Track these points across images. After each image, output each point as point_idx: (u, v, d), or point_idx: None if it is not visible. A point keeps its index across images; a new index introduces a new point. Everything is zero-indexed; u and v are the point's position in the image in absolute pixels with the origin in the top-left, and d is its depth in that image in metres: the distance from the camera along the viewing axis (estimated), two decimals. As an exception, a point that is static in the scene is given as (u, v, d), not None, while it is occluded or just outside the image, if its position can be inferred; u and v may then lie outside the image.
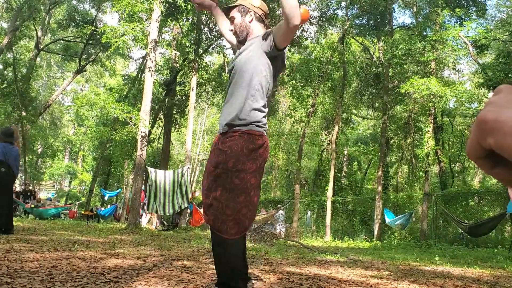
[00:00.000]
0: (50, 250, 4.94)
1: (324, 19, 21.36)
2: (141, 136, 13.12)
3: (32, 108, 24.93)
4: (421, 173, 22.22)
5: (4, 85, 24.75)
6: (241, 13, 2.77)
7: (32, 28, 25.68)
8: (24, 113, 23.75)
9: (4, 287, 2.64)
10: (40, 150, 35.95)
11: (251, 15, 2.77)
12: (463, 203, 17.76)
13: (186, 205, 14.36)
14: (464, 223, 13.49)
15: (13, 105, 24.43)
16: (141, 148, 13.03)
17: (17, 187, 22.66)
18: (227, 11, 2.86)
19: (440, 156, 20.78)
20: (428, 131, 17.76)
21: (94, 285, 2.90)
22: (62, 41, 29.36)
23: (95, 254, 4.78)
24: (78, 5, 27.17)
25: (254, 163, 2.56)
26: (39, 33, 25.74)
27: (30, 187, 21.56)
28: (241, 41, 2.80)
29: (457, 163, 26.74)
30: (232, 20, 2.80)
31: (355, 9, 22.11)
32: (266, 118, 2.70)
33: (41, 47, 26.79)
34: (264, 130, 2.65)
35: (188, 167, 14.89)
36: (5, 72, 26.64)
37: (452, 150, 24.85)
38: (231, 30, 2.82)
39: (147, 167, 13.77)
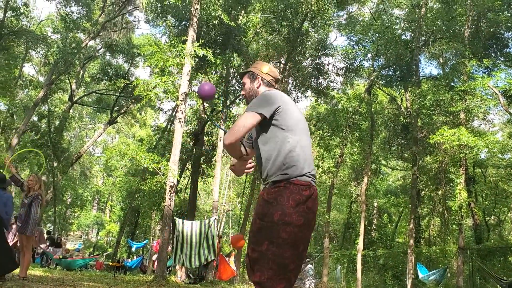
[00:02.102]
0: (79, 302, 4.85)
1: (350, 69, 21.61)
2: (170, 186, 13.18)
3: (64, 158, 25.52)
4: (454, 226, 21.49)
5: (38, 136, 25.57)
6: (250, 79, 2.94)
7: (67, 81, 26.75)
8: (56, 164, 24.31)
9: None
10: (69, 200, 36.47)
11: (258, 81, 2.91)
12: (501, 258, 17.01)
13: (212, 258, 14.11)
14: (504, 280, 12.84)
15: (45, 155, 25.08)
16: (169, 199, 13.06)
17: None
18: (241, 76, 3.05)
19: (473, 209, 20.10)
20: (460, 182, 17.30)
21: None
22: (95, 94, 30.44)
23: (123, 308, 4.67)
24: (112, 60, 28.34)
25: (302, 216, 2.47)
26: (73, 86, 26.77)
27: (54, 235, 21.63)
28: None
29: (492, 216, 25.79)
30: (243, 85, 2.99)
31: (381, 60, 22.34)
32: (312, 166, 2.64)
33: (75, 99, 27.78)
34: (312, 180, 2.59)
35: (215, 218, 14.77)
36: (39, 124, 27.62)
37: (486, 203, 24.04)
38: (243, 94, 3.01)
39: (174, 217, 13.73)
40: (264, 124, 2.65)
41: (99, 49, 28.08)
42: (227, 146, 2.61)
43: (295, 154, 2.56)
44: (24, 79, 28.99)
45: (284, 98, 2.71)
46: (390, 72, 22.16)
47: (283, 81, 21.57)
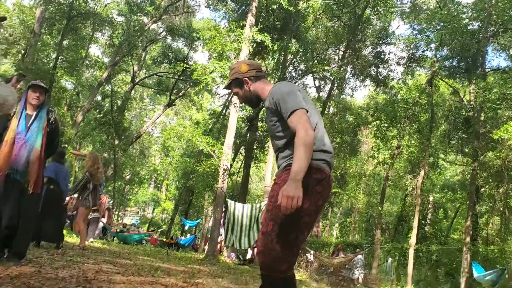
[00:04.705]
0: (135, 274, 5.14)
1: (412, 59, 20.95)
2: (223, 169, 13.45)
3: (125, 137, 26.57)
4: (515, 226, 20.55)
5: (101, 115, 26.77)
6: (239, 86, 2.83)
7: (130, 63, 27.71)
8: (117, 142, 25.38)
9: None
10: (128, 177, 38.00)
11: (247, 83, 2.81)
12: None
13: (262, 241, 14.30)
14: None
15: (108, 133, 26.24)
16: (222, 181, 13.34)
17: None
18: (228, 88, 2.96)
19: (537, 209, 19.09)
20: (525, 181, 16.47)
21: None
22: (155, 76, 31.36)
23: (176, 282, 4.90)
24: (172, 43, 29.00)
25: (309, 199, 2.42)
26: (135, 68, 27.71)
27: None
28: (256, 105, 2.94)
29: (558, 218, 24.36)
30: (237, 95, 2.89)
31: (445, 50, 21.42)
32: (326, 154, 2.63)
33: (137, 81, 28.75)
34: (324, 164, 2.55)
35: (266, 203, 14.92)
36: (103, 103, 28.84)
37: (552, 203, 22.71)
38: (241, 102, 2.98)
39: (226, 199, 14.01)
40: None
41: (161, 33, 28.82)
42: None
43: None
44: (90, 59, 30.28)
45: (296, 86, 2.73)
46: (454, 63, 21.20)
47: (341, 68, 21.26)
